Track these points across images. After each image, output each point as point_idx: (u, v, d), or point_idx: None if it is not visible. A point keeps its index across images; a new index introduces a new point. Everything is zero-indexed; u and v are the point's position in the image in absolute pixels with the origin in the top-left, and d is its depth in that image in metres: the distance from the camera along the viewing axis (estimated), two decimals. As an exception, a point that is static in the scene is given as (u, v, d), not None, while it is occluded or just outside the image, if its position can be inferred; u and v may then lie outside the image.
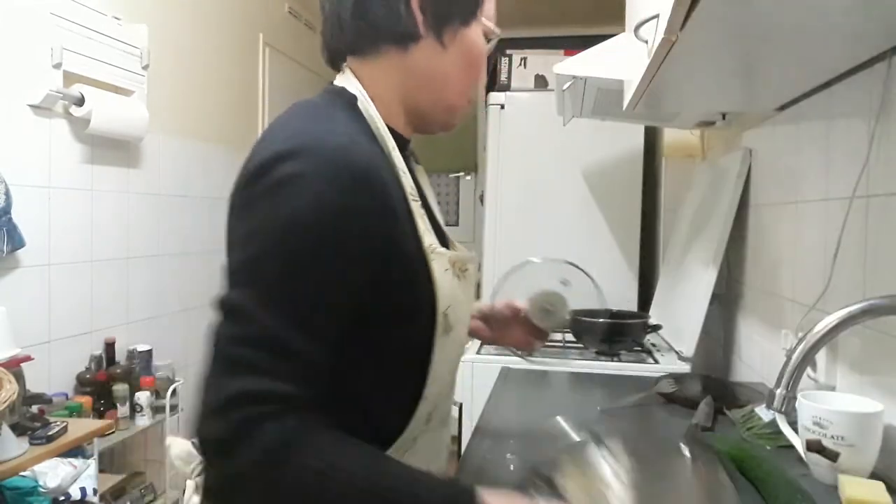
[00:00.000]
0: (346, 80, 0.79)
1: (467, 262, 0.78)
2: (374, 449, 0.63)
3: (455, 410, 1.80)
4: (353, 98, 0.76)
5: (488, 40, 0.81)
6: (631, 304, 2.56)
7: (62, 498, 1.51)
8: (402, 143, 0.78)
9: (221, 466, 0.60)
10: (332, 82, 0.81)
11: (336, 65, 0.82)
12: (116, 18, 2.04)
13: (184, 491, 0.87)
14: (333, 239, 0.63)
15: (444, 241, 0.79)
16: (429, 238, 0.73)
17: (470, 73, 0.80)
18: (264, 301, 0.61)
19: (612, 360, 1.83)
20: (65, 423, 1.52)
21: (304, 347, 0.61)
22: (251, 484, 0.57)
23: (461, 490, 0.63)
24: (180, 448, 0.87)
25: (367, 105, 0.75)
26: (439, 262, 0.73)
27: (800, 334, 0.95)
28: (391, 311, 0.69)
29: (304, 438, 0.59)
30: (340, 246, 0.63)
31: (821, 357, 1.16)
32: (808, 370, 1.18)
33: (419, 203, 0.74)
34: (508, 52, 2.69)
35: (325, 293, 0.63)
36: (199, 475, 0.83)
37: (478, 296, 3.29)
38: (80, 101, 1.85)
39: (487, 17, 0.80)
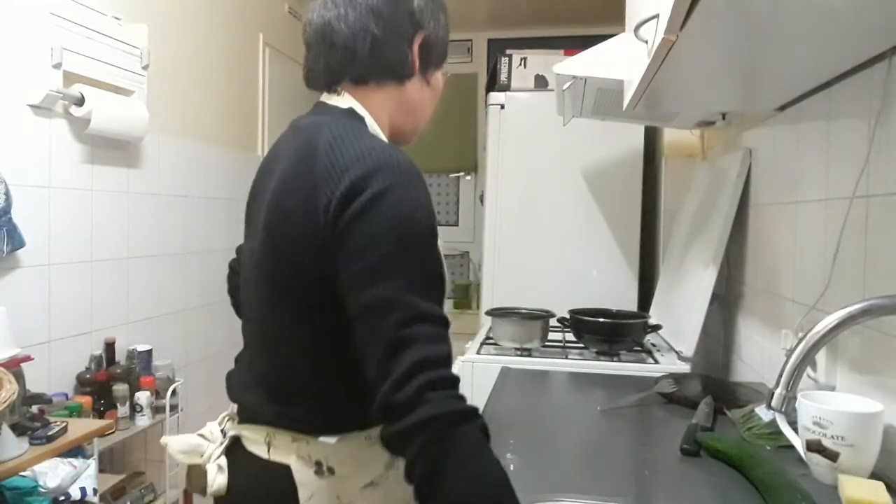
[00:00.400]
0: (345, 101, 0.94)
1: None
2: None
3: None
4: (363, 118, 0.92)
5: (446, 78, 1.06)
6: (631, 304, 2.56)
7: (62, 498, 1.51)
8: None
9: (406, 421, 0.71)
10: (321, 101, 0.96)
11: (331, 85, 0.96)
12: (116, 18, 2.04)
13: (205, 475, 0.94)
14: (431, 228, 0.81)
15: None
16: None
17: (434, 103, 1.04)
18: (403, 287, 0.75)
19: (612, 360, 1.83)
20: (65, 423, 1.52)
21: (441, 313, 0.78)
22: (420, 440, 0.71)
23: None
24: (179, 443, 0.96)
25: (373, 124, 0.93)
26: None
27: (800, 334, 0.95)
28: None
29: (469, 425, 0.75)
30: (434, 231, 0.81)
31: (821, 357, 1.16)
32: (808, 370, 1.18)
33: None
34: (508, 52, 2.69)
35: (436, 268, 0.81)
36: (219, 457, 0.93)
37: (478, 297, 3.29)
38: (80, 101, 1.85)
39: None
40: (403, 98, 0.97)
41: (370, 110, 0.94)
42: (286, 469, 0.86)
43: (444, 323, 0.77)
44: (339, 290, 0.80)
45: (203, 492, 0.95)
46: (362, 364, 0.77)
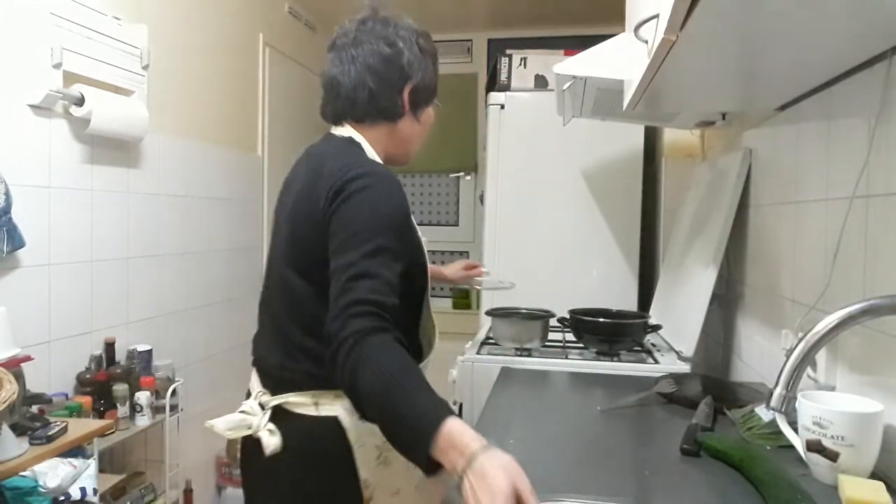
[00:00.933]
0: (347, 132, 1.20)
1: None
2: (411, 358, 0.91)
3: (455, 410, 1.80)
4: (360, 144, 1.18)
5: (436, 109, 1.30)
6: (631, 304, 2.56)
7: (62, 498, 1.51)
8: None
9: (333, 344, 0.91)
10: (330, 132, 1.23)
11: (337, 121, 1.23)
12: (116, 18, 2.04)
13: (247, 442, 1.17)
14: (397, 218, 1.05)
15: None
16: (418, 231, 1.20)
17: (424, 132, 1.29)
18: (362, 255, 0.97)
19: (612, 360, 1.83)
20: (65, 423, 1.52)
21: (389, 277, 0.97)
22: (343, 351, 0.89)
23: (443, 406, 0.84)
24: (224, 422, 1.14)
25: (370, 150, 1.18)
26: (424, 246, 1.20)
27: (800, 334, 0.95)
28: (415, 269, 1.13)
29: (381, 335, 0.90)
30: (401, 223, 1.06)
31: (821, 357, 1.16)
32: (808, 370, 1.18)
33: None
34: (508, 52, 2.69)
35: (395, 246, 1.01)
36: (267, 423, 1.12)
37: (478, 297, 3.29)
38: (80, 101, 1.85)
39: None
40: (395, 133, 1.22)
41: (368, 140, 1.19)
42: (335, 419, 1.11)
43: (391, 286, 0.97)
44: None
45: (237, 460, 1.21)
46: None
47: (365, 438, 1.11)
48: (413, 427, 0.82)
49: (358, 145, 1.17)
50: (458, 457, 0.77)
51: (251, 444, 1.16)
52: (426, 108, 1.25)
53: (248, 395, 1.24)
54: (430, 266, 1.28)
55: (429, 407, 0.83)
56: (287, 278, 1.14)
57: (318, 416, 1.12)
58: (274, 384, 1.17)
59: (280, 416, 1.14)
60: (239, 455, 1.24)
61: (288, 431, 1.12)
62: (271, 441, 1.11)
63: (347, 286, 0.94)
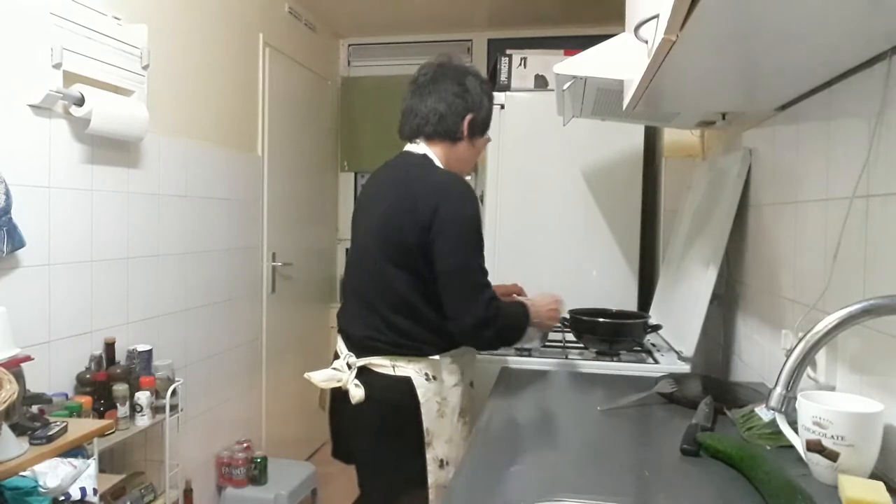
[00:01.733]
0: (420, 148, 1.59)
1: None
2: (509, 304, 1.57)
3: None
4: (431, 159, 1.56)
5: (486, 141, 1.68)
6: (631, 304, 2.56)
7: (62, 498, 1.51)
8: None
9: (490, 327, 1.46)
10: (406, 150, 1.62)
11: (412, 138, 1.61)
12: (116, 18, 2.04)
13: (336, 392, 1.56)
14: (479, 221, 1.48)
15: None
16: None
17: (477, 157, 1.69)
18: (469, 257, 1.46)
19: (612, 360, 1.83)
20: (65, 423, 1.52)
21: (486, 272, 1.49)
22: (497, 323, 1.46)
23: (524, 307, 1.60)
24: (320, 375, 1.53)
25: (437, 162, 1.56)
26: None
27: (800, 334, 0.95)
28: None
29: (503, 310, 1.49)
30: (480, 223, 1.49)
31: (821, 357, 1.16)
32: (808, 370, 1.18)
33: None
34: (508, 52, 2.69)
35: (483, 245, 1.49)
36: (354, 379, 1.49)
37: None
38: (80, 101, 1.85)
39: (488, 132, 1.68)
40: (455, 152, 1.60)
41: (436, 154, 1.57)
42: (408, 379, 1.48)
43: (488, 280, 1.49)
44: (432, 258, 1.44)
45: (325, 408, 1.64)
46: (447, 306, 1.46)
47: (429, 396, 1.49)
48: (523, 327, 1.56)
49: (430, 160, 1.55)
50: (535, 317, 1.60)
51: (340, 395, 1.53)
52: (480, 137, 1.63)
53: (336, 356, 1.59)
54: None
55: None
56: (381, 267, 1.49)
57: (395, 375, 1.49)
58: (358, 349, 1.53)
59: (364, 373, 1.50)
60: (328, 403, 1.63)
61: (370, 385, 1.48)
62: (357, 392, 1.47)
63: (479, 286, 1.46)
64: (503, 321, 1.47)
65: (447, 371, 1.53)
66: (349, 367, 1.51)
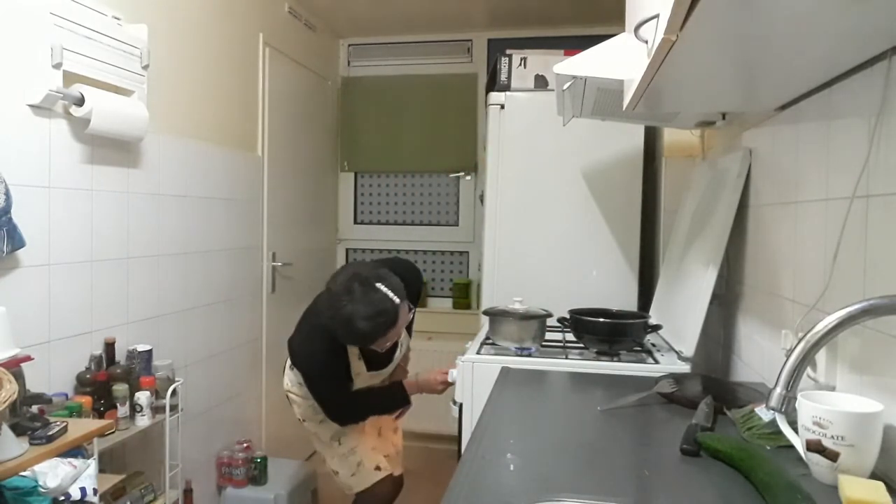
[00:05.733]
0: None
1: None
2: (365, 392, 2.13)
3: (455, 410, 1.81)
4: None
5: None
6: (631, 304, 2.56)
7: (62, 498, 1.51)
8: None
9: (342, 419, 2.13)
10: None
11: None
12: (116, 18, 2.04)
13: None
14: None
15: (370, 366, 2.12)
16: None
17: None
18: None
19: (612, 360, 1.83)
20: (65, 423, 1.52)
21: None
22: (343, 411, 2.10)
23: (398, 386, 2.19)
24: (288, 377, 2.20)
25: None
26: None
27: (800, 334, 0.95)
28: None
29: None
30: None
31: (821, 357, 1.16)
32: (808, 370, 1.18)
33: None
34: (508, 52, 2.68)
35: (337, 374, 2.06)
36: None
37: (478, 296, 3.29)
38: (80, 101, 1.85)
39: None
40: None
41: None
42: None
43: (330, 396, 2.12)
44: None
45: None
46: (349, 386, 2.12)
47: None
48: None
49: None
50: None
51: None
52: None
53: None
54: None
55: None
56: None
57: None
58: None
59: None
60: None
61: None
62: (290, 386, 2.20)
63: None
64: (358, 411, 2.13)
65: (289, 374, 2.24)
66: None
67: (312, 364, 1.98)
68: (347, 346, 1.96)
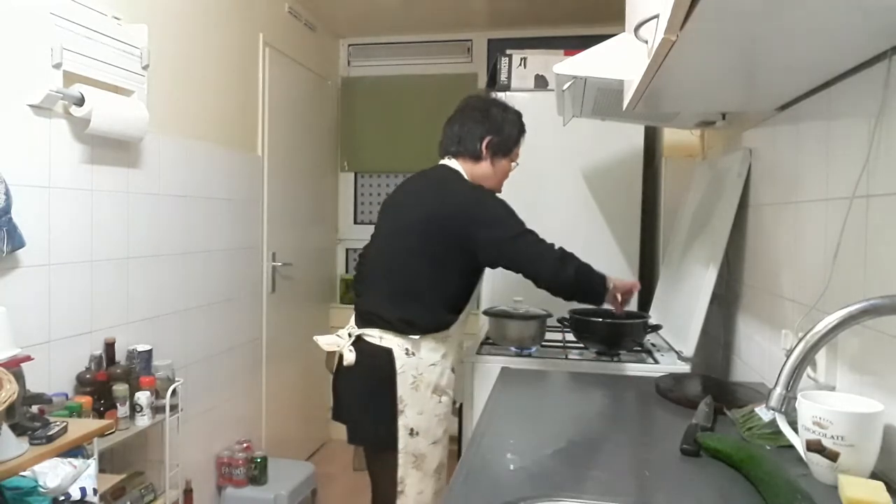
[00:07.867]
0: (452, 164, 1.85)
1: None
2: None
3: (455, 410, 1.81)
4: (459, 173, 1.83)
5: (512, 165, 1.91)
6: (631, 304, 2.55)
7: (62, 498, 1.51)
8: None
9: (568, 263, 1.72)
10: (441, 163, 1.88)
11: (443, 155, 1.88)
12: (116, 18, 2.04)
13: (341, 357, 1.76)
14: (510, 214, 1.74)
15: None
16: None
17: (501, 178, 1.90)
18: (518, 226, 1.72)
19: (612, 360, 1.83)
20: (65, 423, 1.52)
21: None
22: (573, 259, 1.73)
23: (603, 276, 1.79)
24: (325, 339, 1.80)
25: (464, 176, 1.83)
26: None
27: (800, 334, 0.95)
28: None
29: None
30: (511, 214, 1.75)
31: (821, 357, 1.16)
32: (808, 370, 1.18)
33: None
34: (508, 52, 2.68)
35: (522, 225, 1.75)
36: (349, 345, 1.74)
37: (478, 296, 3.28)
38: (80, 101, 1.85)
39: (515, 155, 1.90)
40: (477, 169, 1.84)
41: (463, 170, 1.83)
42: (389, 350, 1.70)
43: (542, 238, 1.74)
44: (474, 252, 1.72)
45: (332, 370, 1.82)
46: (530, 274, 1.72)
47: (406, 368, 1.70)
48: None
49: (460, 174, 1.82)
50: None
51: (340, 357, 1.76)
52: (502, 158, 1.86)
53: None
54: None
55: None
56: (405, 259, 1.75)
57: (380, 345, 1.72)
58: (361, 322, 1.78)
59: (358, 341, 1.74)
60: (335, 364, 1.82)
61: (360, 351, 1.73)
62: (349, 356, 1.73)
63: (537, 241, 1.72)
64: (577, 260, 1.71)
65: (427, 349, 1.73)
66: (349, 335, 1.76)
67: (488, 201, 1.76)
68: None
